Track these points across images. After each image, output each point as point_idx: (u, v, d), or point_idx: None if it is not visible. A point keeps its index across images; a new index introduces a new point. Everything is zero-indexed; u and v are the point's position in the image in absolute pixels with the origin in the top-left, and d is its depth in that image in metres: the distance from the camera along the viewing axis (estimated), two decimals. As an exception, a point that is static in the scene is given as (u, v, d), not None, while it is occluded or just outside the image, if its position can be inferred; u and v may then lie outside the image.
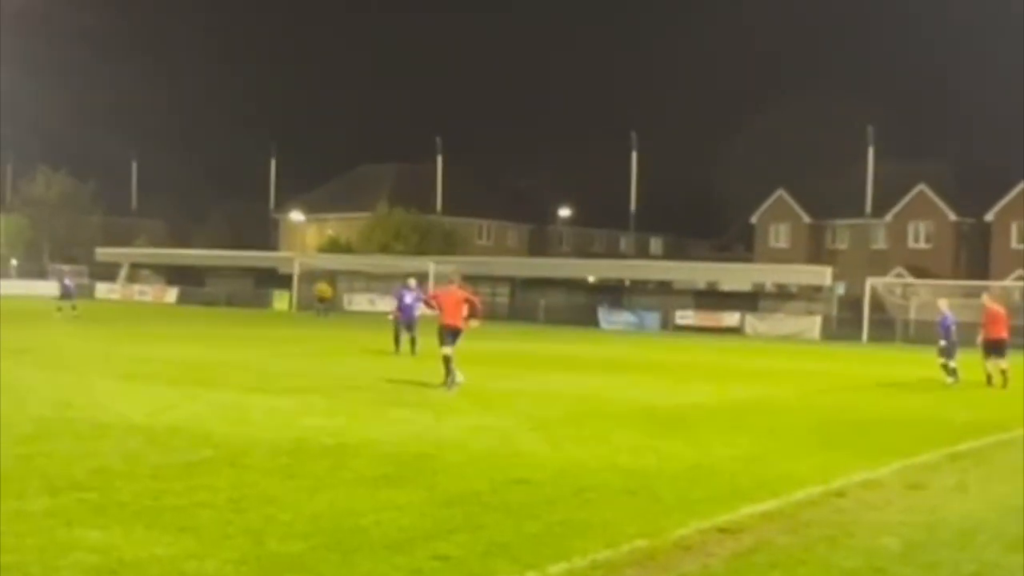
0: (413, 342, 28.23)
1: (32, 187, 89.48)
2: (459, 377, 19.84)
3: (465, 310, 20.52)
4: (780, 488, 10.81)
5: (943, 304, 26.61)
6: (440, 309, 20.58)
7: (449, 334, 20.08)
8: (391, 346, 29.00)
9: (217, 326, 38.42)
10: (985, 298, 26.83)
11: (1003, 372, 24.58)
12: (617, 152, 77.81)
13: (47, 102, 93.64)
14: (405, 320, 28.91)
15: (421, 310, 26.47)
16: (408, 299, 28.96)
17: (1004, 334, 25.29)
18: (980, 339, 25.27)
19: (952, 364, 24.99)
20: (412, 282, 30.63)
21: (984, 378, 24.67)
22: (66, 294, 44.88)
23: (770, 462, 12.64)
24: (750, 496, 10.34)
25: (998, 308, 25.98)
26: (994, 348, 25.02)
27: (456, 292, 20.80)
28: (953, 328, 25.26)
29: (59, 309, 43.10)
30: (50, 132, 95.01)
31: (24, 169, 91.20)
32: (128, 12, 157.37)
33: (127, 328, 36.21)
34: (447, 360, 19.90)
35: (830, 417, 17.78)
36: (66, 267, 49.08)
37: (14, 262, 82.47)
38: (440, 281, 39.47)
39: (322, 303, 56.22)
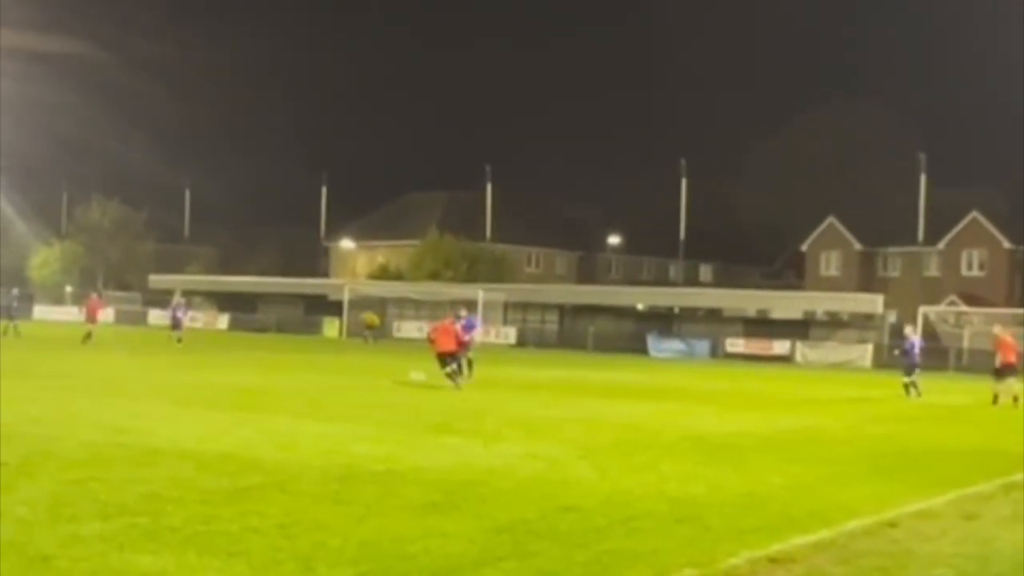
0: (469, 364, 29.21)
1: (87, 215, 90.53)
2: (460, 380, 26.12)
3: (455, 339, 26.87)
4: (832, 518, 10.69)
5: (908, 329, 32.54)
6: (434, 342, 27.19)
7: (445, 359, 26.53)
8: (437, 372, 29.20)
9: (267, 352, 38.67)
10: (997, 328, 31.15)
11: (1015, 397, 27.43)
12: (667, 179, 77.71)
13: (102, 131, 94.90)
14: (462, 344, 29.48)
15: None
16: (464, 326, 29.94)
17: (1012, 359, 28.63)
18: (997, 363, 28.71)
19: (908, 380, 29.95)
20: (463, 311, 32.24)
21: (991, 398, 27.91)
22: (176, 324, 44.50)
23: (822, 491, 12.51)
24: (802, 526, 10.24)
25: (1007, 337, 29.64)
26: (1006, 372, 28.53)
27: (448, 326, 27.51)
28: (918, 351, 30.46)
29: (179, 340, 42.90)
30: (105, 161, 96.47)
31: (79, 197, 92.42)
32: (182, 42, 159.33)
33: (178, 354, 36.49)
34: (450, 375, 26.19)
35: (882, 446, 17.59)
36: (180, 299, 48.04)
37: (69, 288, 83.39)
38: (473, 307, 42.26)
39: (370, 331, 56.48)
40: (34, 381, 23.84)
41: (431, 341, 27.83)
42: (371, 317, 58.15)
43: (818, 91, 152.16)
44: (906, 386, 30.08)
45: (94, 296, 45.61)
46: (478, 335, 31.65)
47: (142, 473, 11.79)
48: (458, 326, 29.02)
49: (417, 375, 27.72)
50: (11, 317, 47.45)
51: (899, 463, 15.50)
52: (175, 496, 10.44)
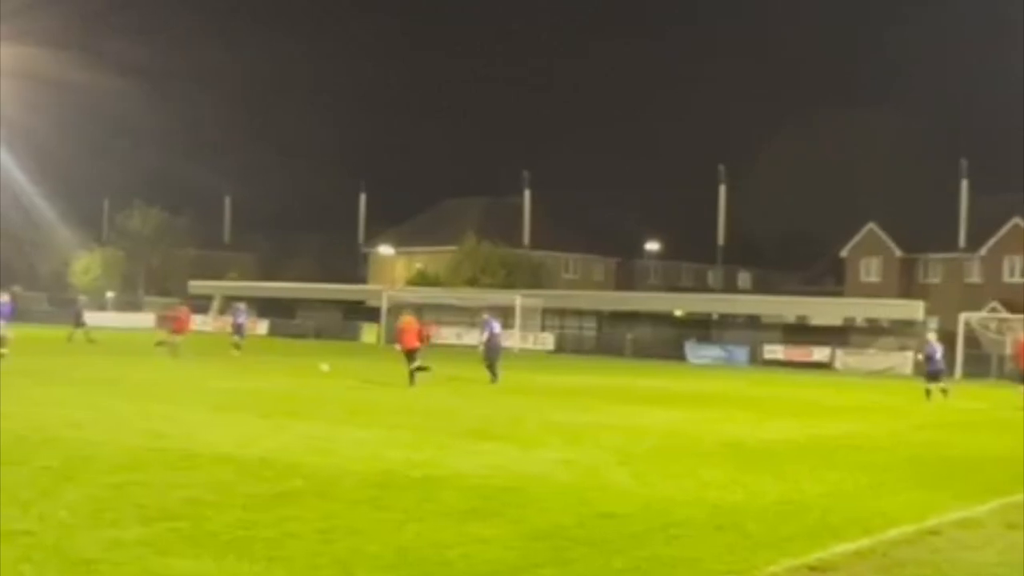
0: (491, 368, 30.27)
1: (128, 221, 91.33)
2: (425, 377, 27.45)
3: (417, 336, 28.48)
4: (873, 526, 10.61)
5: (931, 335, 32.84)
6: (402, 336, 28.57)
7: (410, 355, 28.06)
8: (486, 375, 30.44)
9: (306, 358, 38.77)
10: (1022, 334, 32.59)
11: None
12: (705, 185, 77.47)
13: (144, 139, 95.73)
14: (493, 348, 31.00)
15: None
16: (496, 329, 31.47)
17: None
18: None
19: (930, 386, 30.44)
20: (485, 315, 34.04)
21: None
22: (237, 330, 43.36)
23: (862, 499, 12.42)
24: (842, 533, 10.17)
25: None
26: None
27: (412, 323, 28.92)
28: (940, 356, 31.21)
29: (238, 347, 41.60)
30: (146, 168, 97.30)
31: (121, 204, 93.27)
32: (223, 49, 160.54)
33: (218, 360, 36.68)
34: (414, 372, 27.62)
35: (924, 454, 17.45)
36: (241, 304, 46.21)
37: (110, 294, 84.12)
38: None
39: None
40: (76, 387, 24.03)
41: (397, 339, 29.28)
42: (408, 320, 58.15)
43: (859, 96, 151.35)
44: (927, 392, 30.52)
45: (183, 308, 43.56)
46: (501, 340, 32.37)
47: (182, 478, 11.86)
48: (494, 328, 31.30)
49: (324, 367, 30.08)
50: (80, 324, 48.35)
51: (941, 471, 15.36)
52: (215, 501, 10.50)
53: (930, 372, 31.20)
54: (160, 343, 39.52)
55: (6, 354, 25.30)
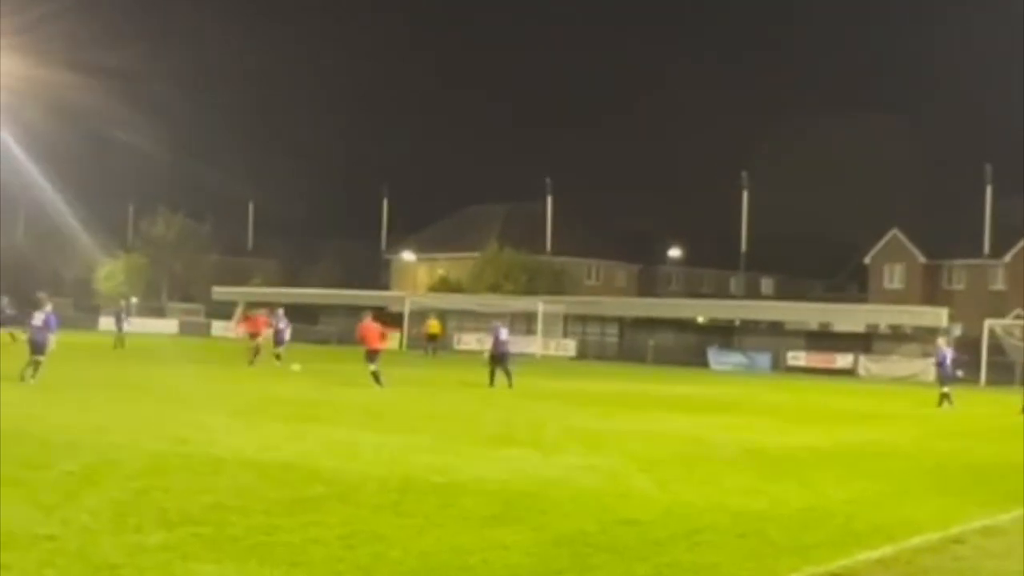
0: (508, 374, 30.64)
1: (152, 228, 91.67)
2: (383, 381, 28.32)
3: (379, 337, 29.75)
4: (896, 533, 10.55)
5: (941, 341, 33.43)
6: (364, 339, 29.60)
7: (372, 356, 29.13)
8: (503, 381, 30.57)
9: (328, 364, 38.83)
10: None
11: None
12: (727, 191, 77.33)
13: (167, 147, 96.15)
14: (500, 354, 31.54)
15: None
16: (503, 336, 32.03)
17: None
18: None
19: (943, 391, 30.54)
20: (495, 322, 34.86)
21: None
22: (280, 340, 40.31)
23: (886, 507, 12.35)
24: (865, 541, 10.12)
25: None
26: None
27: (374, 325, 30.07)
28: (950, 362, 31.42)
29: (278, 357, 38.68)
30: (170, 175, 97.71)
31: (145, 210, 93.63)
32: (246, 53, 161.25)
33: (241, 365, 36.78)
34: (376, 374, 28.63)
35: (948, 461, 17.35)
36: (280, 310, 43.42)
37: (134, 300, 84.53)
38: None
39: (431, 341, 56.56)
40: (99, 391, 24.14)
41: (360, 340, 30.27)
42: (434, 324, 58.21)
43: (883, 100, 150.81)
44: (942, 396, 30.63)
45: (262, 313, 42.40)
46: (508, 347, 32.56)
47: (205, 483, 11.89)
48: (503, 334, 32.14)
49: (296, 367, 30.84)
50: (120, 329, 48.94)
51: (965, 479, 15.27)
52: (237, 506, 10.52)
53: (941, 377, 31.45)
54: (252, 361, 37.43)
55: (42, 363, 25.72)
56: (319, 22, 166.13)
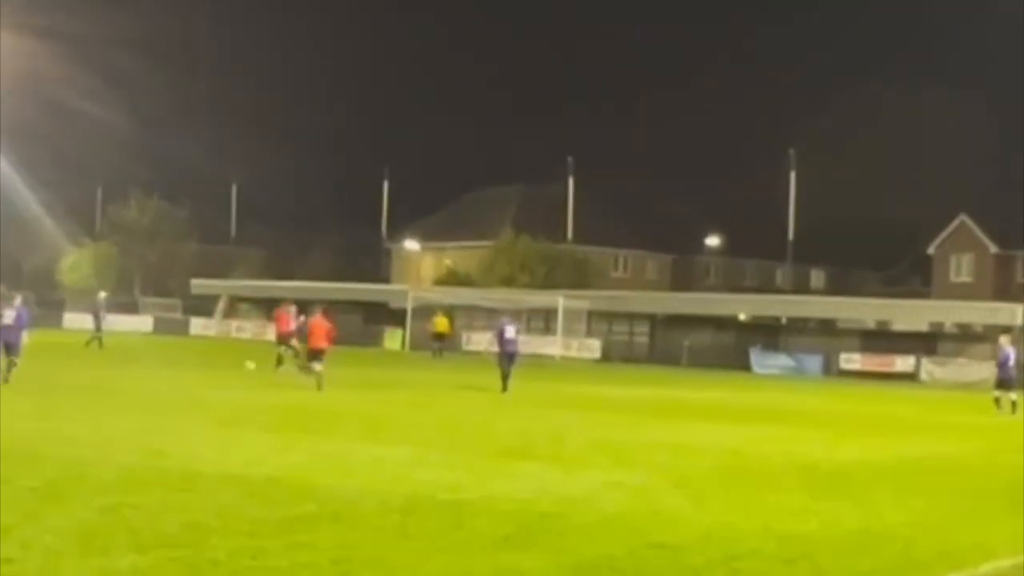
0: (504, 377, 31.16)
1: (123, 213, 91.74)
2: (315, 373, 29.09)
3: (326, 336, 30.36)
4: (963, 560, 10.55)
5: (1003, 339, 33.20)
6: (310, 335, 30.68)
7: (317, 355, 29.78)
8: (512, 386, 30.88)
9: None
10: None
11: None
12: (772, 172, 77.22)
13: (140, 121, 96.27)
14: (507, 355, 31.91)
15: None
16: (509, 333, 32.44)
17: None
18: None
19: (998, 394, 31.10)
20: (504, 318, 35.66)
21: None
22: (297, 337, 38.51)
23: (951, 529, 12.34)
24: (928, 567, 10.12)
25: None
26: None
27: (323, 322, 30.88)
28: (1012, 363, 31.45)
29: (299, 355, 37.32)
30: (143, 153, 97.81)
31: (115, 193, 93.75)
32: (231, 27, 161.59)
33: (223, 368, 36.89)
34: (308, 370, 29.66)
35: (1020, 478, 17.29)
36: (292, 307, 40.94)
37: (103, 295, 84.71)
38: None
39: (438, 341, 56.56)
40: (66, 397, 24.24)
41: (308, 336, 31.50)
42: (441, 321, 58.21)
43: (950, 74, 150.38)
44: (997, 401, 31.07)
45: (290, 309, 40.32)
46: (516, 346, 32.79)
47: (182, 500, 11.94)
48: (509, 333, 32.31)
49: (250, 364, 31.57)
50: (98, 327, 49.23)
51: (1042, 497, 15.22)
52: (218, 526, 10.55)
53: (1000, 380, 31.67)
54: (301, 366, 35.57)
55: (18, 363, 26.63)
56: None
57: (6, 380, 25.88)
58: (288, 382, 31.84)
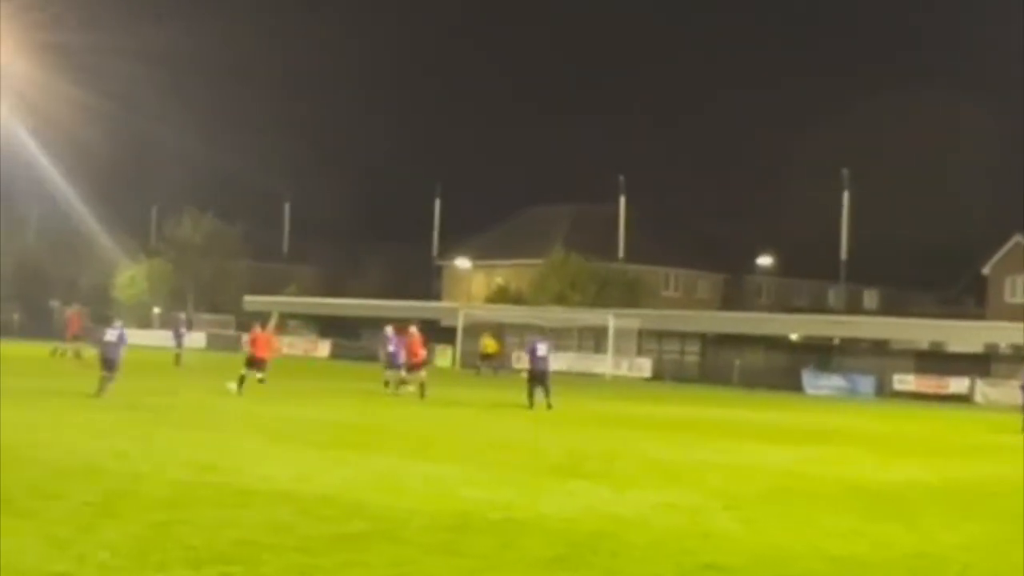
0: (547, 392, 31.34)
1: (177, 229, 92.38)
2: (235, 387, 31.63)
3: (268, 347, 34.59)
4: (1019, 584, 10.44)
5: None
6: (254, 345, 33.96)
7: (258, 364, 33.24)
8: (560, 404, 31.09)
9: (372, 383, 38.99)
10: None
11: None
12: (826, 192, 76.76)
13: (196, 139, 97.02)
14: (539, 372, 32.16)
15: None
16: (540, 351, 32.61)
17: None
18: None
19: None
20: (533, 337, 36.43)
21: None
22: (393, 364, 37.09)
23: (1008, 553, 12.22)
24: (982, 593, 10.02)
25: None
26: None
27: (269, 335, 35.62)
28: None
29: (403, 382, 36.07)
30: (198, 172, 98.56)
31: (170, 210, 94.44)
32: (281, 48, 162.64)
33: (275, 384, 37.05)
34: (242, 379, 31.86)
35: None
36: (388, 329, 38.63)
37: (156, 310, 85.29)
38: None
39: (486, 360, 56.50)
40: (121, 413, 24.42)
41: (250, 344, 34.52)
42: (488, 343, 58.23)
43: (1001, 96, 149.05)
44: None
45: (412, 330, 36.80)
46: (547, 364, 32.82)
47: (235, 516, 12.00)
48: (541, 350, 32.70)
49: (231, 385, 32.04)
50: (179, 344, 50.62)
51: (1098, 522, 15.04)
52: (271, 543, 10.61)
53: None
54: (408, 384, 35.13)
55: (115, 379, 28.94)
56: (368, 9, 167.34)
57: (100, 394, 27.84)
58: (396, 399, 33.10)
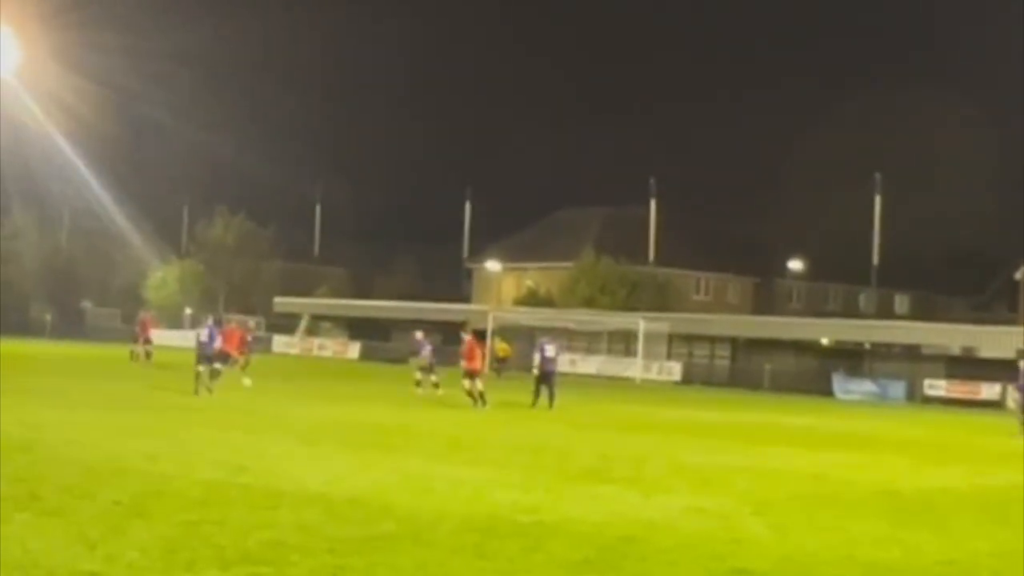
0: (551, 395, 32.01)
1: (209, 231, 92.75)
2: (249, 383, 33.81)
3: (238, 344, 36.91)
4: (1051, 592, 10.36)
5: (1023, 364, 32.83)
6: (226, 338, 34.28)
7: (223, 358, 33.60)
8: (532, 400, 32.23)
9: (402, 386, 39.07)
10: None
11: None
12: (857, 196, 76.47)
13: (227, 141, 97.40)
14: (546, 372, 32.66)
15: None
16: (549, 352, 33.19)
17: None
18: None
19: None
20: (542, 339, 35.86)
21: None
22: (427, 364, 37.54)
23: (1038, 561, 12.12)
24: (1015, 601, 9.95)
25: None
26: None
27: (236, 330, 37.69)
28: None
29: (436, 385, 36.60)
30: (229, 172, 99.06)
31: (201, 211, 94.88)
32: (310, 48, 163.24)
33: (305, 386, 37.24)
34: (217, 374, 31.95)
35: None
36: (419, 333, 40.26)
37: (188, 311, 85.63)
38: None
39: (500, 363, 56.23)
40: (151, 413, 24.54)
41: (224, 340, 34.42)
42: (501, 345, 58.11)
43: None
44: None
45: (469, 337, 34.38)
46: (554, 365, 33.78)
47: (264, 517, 12.03)
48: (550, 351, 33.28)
49: (247, 381, 33.97)
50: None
51: None
52: (300, 544, 10.62)
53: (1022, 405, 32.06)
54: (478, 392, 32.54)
55: (221, 370, 32.28)
56: (398, 12, 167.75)
57: (209, 390, 30.27)
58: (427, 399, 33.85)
